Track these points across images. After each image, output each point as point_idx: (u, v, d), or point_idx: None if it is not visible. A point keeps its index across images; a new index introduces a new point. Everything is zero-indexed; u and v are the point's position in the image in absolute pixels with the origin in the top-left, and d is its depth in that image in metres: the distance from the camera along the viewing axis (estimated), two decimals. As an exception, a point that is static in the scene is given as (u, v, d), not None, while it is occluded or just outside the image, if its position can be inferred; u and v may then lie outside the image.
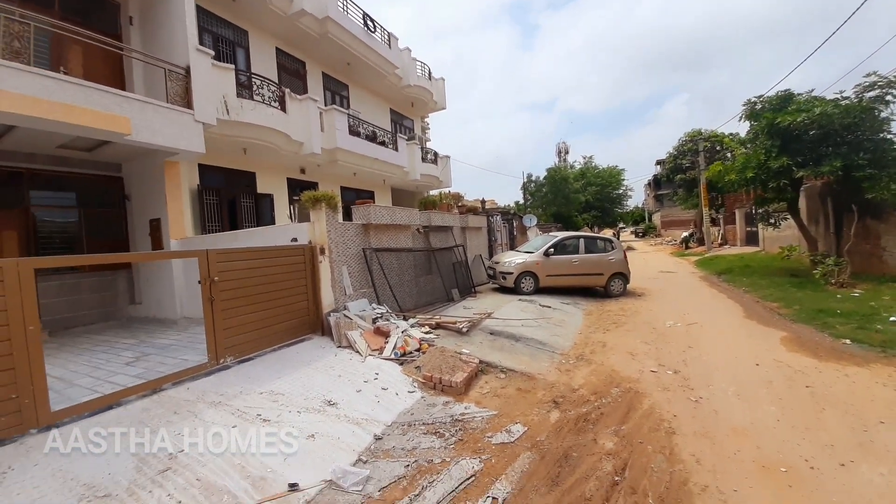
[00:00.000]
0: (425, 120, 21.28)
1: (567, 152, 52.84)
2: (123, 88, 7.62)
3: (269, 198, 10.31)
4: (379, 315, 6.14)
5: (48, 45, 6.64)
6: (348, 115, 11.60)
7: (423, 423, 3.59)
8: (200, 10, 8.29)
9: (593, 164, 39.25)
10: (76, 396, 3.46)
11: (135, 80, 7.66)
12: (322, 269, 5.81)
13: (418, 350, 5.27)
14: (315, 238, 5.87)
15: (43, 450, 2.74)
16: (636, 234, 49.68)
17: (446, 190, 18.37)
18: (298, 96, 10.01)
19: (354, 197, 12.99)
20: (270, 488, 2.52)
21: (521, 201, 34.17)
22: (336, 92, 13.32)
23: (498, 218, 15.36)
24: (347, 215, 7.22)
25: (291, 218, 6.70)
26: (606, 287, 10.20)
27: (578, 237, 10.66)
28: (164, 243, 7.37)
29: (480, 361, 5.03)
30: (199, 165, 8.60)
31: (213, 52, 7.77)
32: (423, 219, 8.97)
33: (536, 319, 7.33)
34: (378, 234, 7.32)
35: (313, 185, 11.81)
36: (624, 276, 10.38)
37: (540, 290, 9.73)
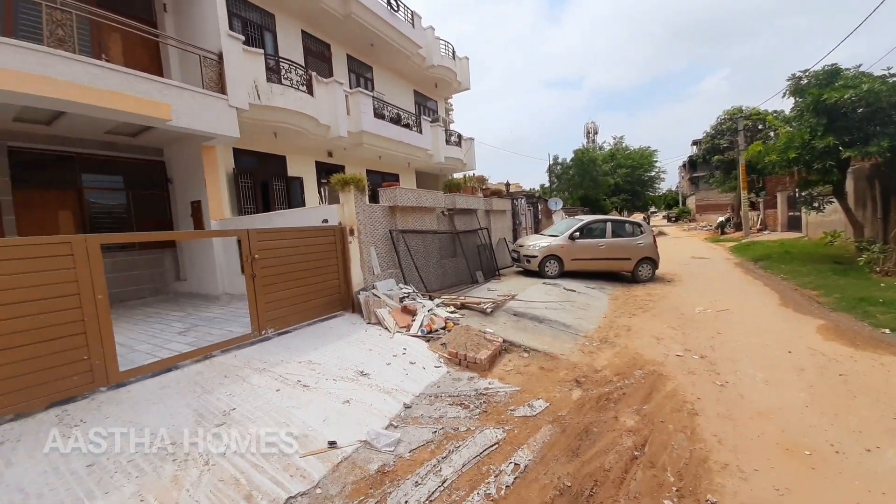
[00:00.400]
0: (448, 101, 21.03)
1: (596, 132, 51.06)
2: (161, 75, 7.98)
3: (298, 180, 10.64)
4: (406, 294, 6.36)
5: (89, 34, 7.00)
6: (373, 97, 11.67)
7: (449, 396, 3.78)
8: (231, -4, 8.47)
9: (623, 144, 37.70)
10: (139, 360, 3.85)
11: (171, 66, 8.00)
12: (352, 249, 6.05)
13: (444, 328, 5.47)
14: (344, 219, 6.09)
15: (116, 403, 3.11)
16: (669, 218, 47.94)
17: (470, 173, 18.29)
18: (325, 80, 10.13)
19: (380, 180, 13.19)
20: (312, 445, 2.78)
21: (547, 184, 33.54)
22: (360, 74, 13.36)
23: (522, 201, 15.24)
24: (374, 198, 7.41)
25: (321, 200, 6.95)
26: (634, 272, 10.05)
27: (605, 220, 10.47)
28: (204, 224, 7.81)
29: (504, 341, 5.17)
30: (234, 150, 8.96)
31: (243, 38, 7.97)
32: (448, 201, 9.05)
33: (560, 302, 7.37)
34: (404, 216, 7.48)
35: (340, 168, 12.06)
36: (652, 262, 10.18)
37: (565, 274, 9.71)
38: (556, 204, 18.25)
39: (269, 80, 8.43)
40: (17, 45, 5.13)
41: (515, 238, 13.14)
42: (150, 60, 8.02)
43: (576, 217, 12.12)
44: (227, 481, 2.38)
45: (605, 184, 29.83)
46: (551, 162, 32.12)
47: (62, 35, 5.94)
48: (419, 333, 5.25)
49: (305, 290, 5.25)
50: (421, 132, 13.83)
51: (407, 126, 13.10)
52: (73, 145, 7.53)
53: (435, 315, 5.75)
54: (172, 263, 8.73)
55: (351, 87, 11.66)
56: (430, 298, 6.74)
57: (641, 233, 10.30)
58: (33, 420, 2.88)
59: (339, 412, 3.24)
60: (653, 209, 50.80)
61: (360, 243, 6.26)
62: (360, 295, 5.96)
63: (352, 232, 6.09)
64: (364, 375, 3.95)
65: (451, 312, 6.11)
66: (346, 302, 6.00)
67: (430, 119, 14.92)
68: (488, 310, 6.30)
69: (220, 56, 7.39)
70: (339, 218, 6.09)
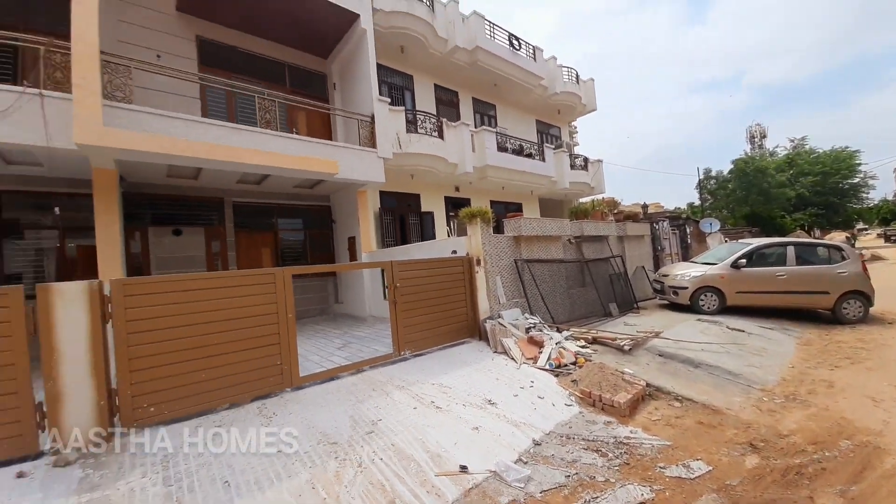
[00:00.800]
0: (572, 124, 20.49)
1: (763, 136, 42.30)
2: (330, 139, 10.01)
3: (430, 215, 11.74)
4: (532, 325, 6.24)
5: (285, 114, 9.32)
6: (496, 133, 12.25)
7: (583, 439, 3.50)
8: (378, 67, 10.22)
9: (807, 147, 30.16)
10: (311, 368, 4.72)
11: (337, 130, 9.98)
12: (478, 278, 6.30)
13: (574, 364, 5.14)
14: (472, 250, 6.43)
15: (297, 402, 3.86)
16: (887, 237, 35.59)
17: (599, 196, 17.20)
18: (453, 123, 11.16)
19: (503, 210, 13.51)
20: (445, 465, 2.92)
21: (697, 202, 28.95)
22: (484, 113, 14.26)
23: (664, 224, 13.48)
24: (498, 229, 7.63)
25: (450, 233, 7.52)
26: (835, 309, 7.74)
27: (785, 244, 8.43)
28: (357, 256, 9.26)
29: (647, 384, 4.56)
30: (380, 192, 10.51)
31: (388, 100, 9.47)
32: (574, 229, 8.68)
33: (723, 344, 6.15)
34: (528, 245, 7.46)
35: (466, 201, 12.85)
36: (863, 296, 7.68)
37: (727, 310, 8.10)
38: (710, 225, 15.48)
39: (407, 130, 9.75)
40: (240, 129, 7.18)
41: (657, 266, 11.63)
42: (322, 127, 10.20)
43: (740, 241, 10.06)
44: (374, 485, 2.68)
45: (780, 197, 24.07)
46: (702, 177, 27.76)
47: (269, 118, 8.09)
48: (547, 367, 5.05)
49: (438, 316, 5.67)
50: (544, 160, 13.79)
51: (529, 156, 13.26)
52: (272, 198, 9.95)
53: (563, 348, 5.47)
54: (333, 288, 10.51)
55: (476, 127, 12.54)
56: (558, 330, 6.45)
57: (843, 258, 7.94)
58: (242, 410, 3.78)
59: (468, 437, 3.34)
60: (860, 226, 38.56)
61: (487, 273, 6.47)
62: (486, 323, 6.10)
63: (478, 262, 6.37)
64: (491, 404, 3.99)
65: (582, 347, 5.72)
66: (473, 329, 6.21)
67: (552, 146, 14.79)
68: (626, 347, 5.67)
69: (372, 117, 8.90)
70: (466, 249, 6.46)
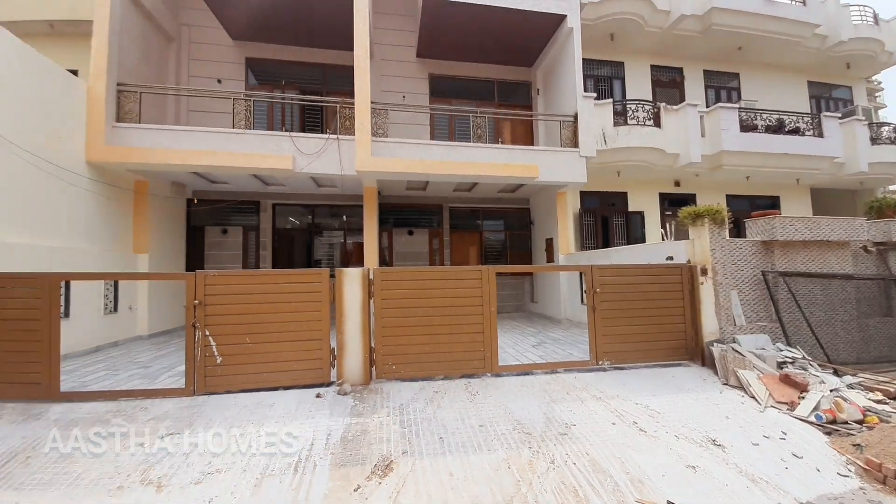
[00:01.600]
0: (873, 80, 13.98)
1: None
2: (532, 144, 10.33)
3: (639, 215, 10.46)
4: (789, 360, 4.72)
5: (493, 126, 10.21)
6: (738, 109, 9.72)
7: (877, 533, 2.44)
8: (584, 62, 9.78)
9: None
10: (507, 360, 5.08)
11: (540, 134, 10.19)
12: (703, 291, 5.23)
13: (860, 422, 3.61)
14: (695, 257, 5.39)
15: (495, 388, 4.25)
16: None
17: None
18: (673, 107, 9.56)
19: (747, 206, 10.66)
20: (647, 494, 2.62)
21: None
22: (721, 86, 11.56)
23: None
24: (737, 231, 6.07)
25: (666, 235, 6.50)
26: None
27: None
28: (554, 258, 9.25)
29: None
30: (580, 192, 10.12)
31: (594, 94, 8.98)
32: (876, 231, 5.98)
33: None
34: (788, 253, 5.64)
35: (690, 199, 10.77)
36: None
37: None
38: None
39: (616, 124, 9.02)
40: (457, 145, 8.30)
41: None
42: (525, 134, 10.66)
43: None
44: (567, 486, 2.68)
45: None
46: None
47: (480, 133, 9.07)
48: (811, 418, 3.72)
49: (644, 329, 5.04)
50: (821, 134, 10.02)
51: (795, 132, 9.91)
52: (479, 202, 11.11)
53: (843, 399, 3.90)
54: (529, 288, 10.85)
55: (708, 106, 10.35)
56: (836, 373, 4.63)
57: None
58: (452, 383, 4.42)
59: (680, 474, 2.86)
60: None
61: (716, 285, 5.29)
62: (713, 347, 5.01)
63: (704, 272, 5.28)
64: (716, 445, 3.28)
65: (877, 402, 3.93)
66: (692, 351, 5.21)
67: (837, 114, 10.55)
68: None
69: (576, 116, 8.66)
70: (687, 255, 5.46)
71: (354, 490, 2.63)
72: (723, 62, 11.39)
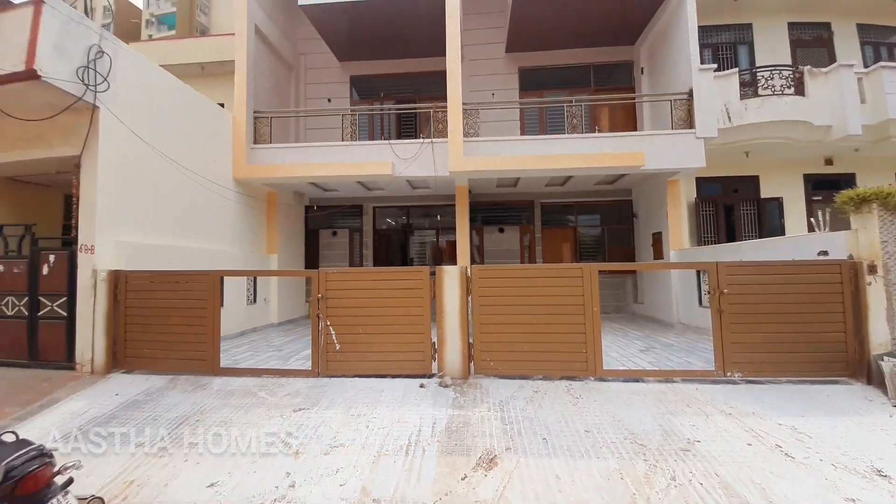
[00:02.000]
0: None
1: None
2: (635, 128, 9.43)
3: (775, 202, 8.84)
4: None
5: (589, 114, 9.57)
6: (922, 61, 7.55)
7: None
8: (700, 30, 8.56)
9: None
10: (611, 364, 4.75)
11: (644, 117, 9.24)
12: (871, 294, 4.21)
13: None
14: (859, 252, 4.36)
15: (600, 392, 4.02)
16: None
17: None
18: (823, 70, 7.84)
19: (936, 185, 8.23)
20: (803, 535, 2.21)
21: None
22: (881, 42, 9.26)
23: None
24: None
25: (816, 225, 5.37)
26: None
27: None
28: (664, 254, 8.32)
29: None
30: (696, 179, 8.92)
31: (714, 66, 7.80)
32: None
33: None
34: None
35: (847, 179, 8.73)
36: None
37: None
38: None
39: (743, 97, 7.79)
40: (549, 138, 7.97)
41: None
42: (626, 118, 9.78)
43: None
44: (692, 509, 2.41)
45: None
46: None
47: (575, 122, 8.59)
48: None
49: (787, 338, 4.25)
50: None
51: None
52: (573, 197, 10.53)
53: None
54: (632, 287, 9.95)
55: (865, 66, 8.29)
56: None
57: None
58: (552, 384, 4.29)
59: (848, 516, 2.36)
60: None
61: (888, 286, 4.21)
62: (882, 361, 4.00)
63: (872, 269, 4.24)
64: (882, 476, 2.64)
65: None
66: (854, 366, 4.23)
67: None
68: None
69: (690, 93, 7.64)
70: (847, 250, 4.44)
71: (462, 479, 2.74)
72: (880, 14, 9.00)
